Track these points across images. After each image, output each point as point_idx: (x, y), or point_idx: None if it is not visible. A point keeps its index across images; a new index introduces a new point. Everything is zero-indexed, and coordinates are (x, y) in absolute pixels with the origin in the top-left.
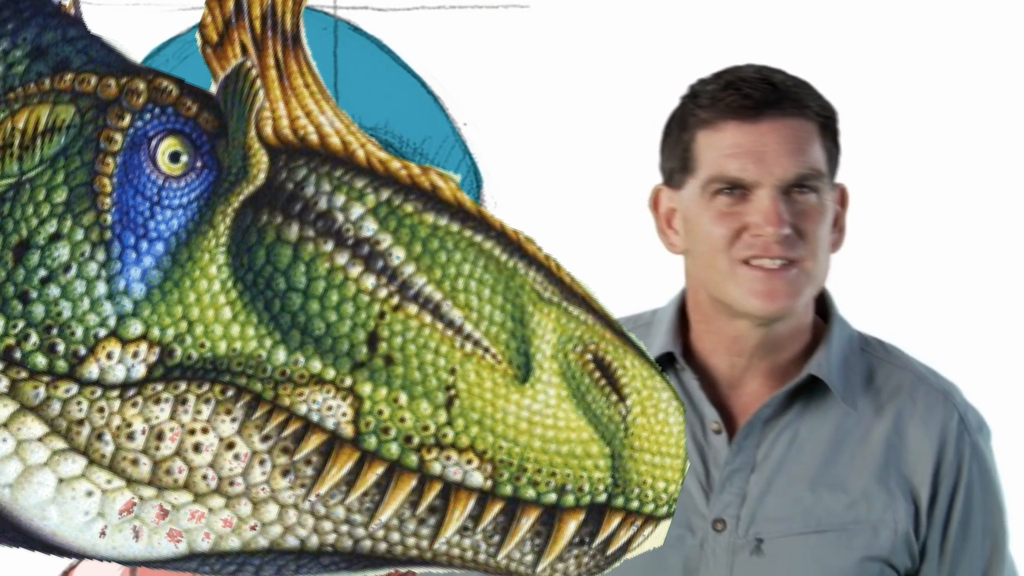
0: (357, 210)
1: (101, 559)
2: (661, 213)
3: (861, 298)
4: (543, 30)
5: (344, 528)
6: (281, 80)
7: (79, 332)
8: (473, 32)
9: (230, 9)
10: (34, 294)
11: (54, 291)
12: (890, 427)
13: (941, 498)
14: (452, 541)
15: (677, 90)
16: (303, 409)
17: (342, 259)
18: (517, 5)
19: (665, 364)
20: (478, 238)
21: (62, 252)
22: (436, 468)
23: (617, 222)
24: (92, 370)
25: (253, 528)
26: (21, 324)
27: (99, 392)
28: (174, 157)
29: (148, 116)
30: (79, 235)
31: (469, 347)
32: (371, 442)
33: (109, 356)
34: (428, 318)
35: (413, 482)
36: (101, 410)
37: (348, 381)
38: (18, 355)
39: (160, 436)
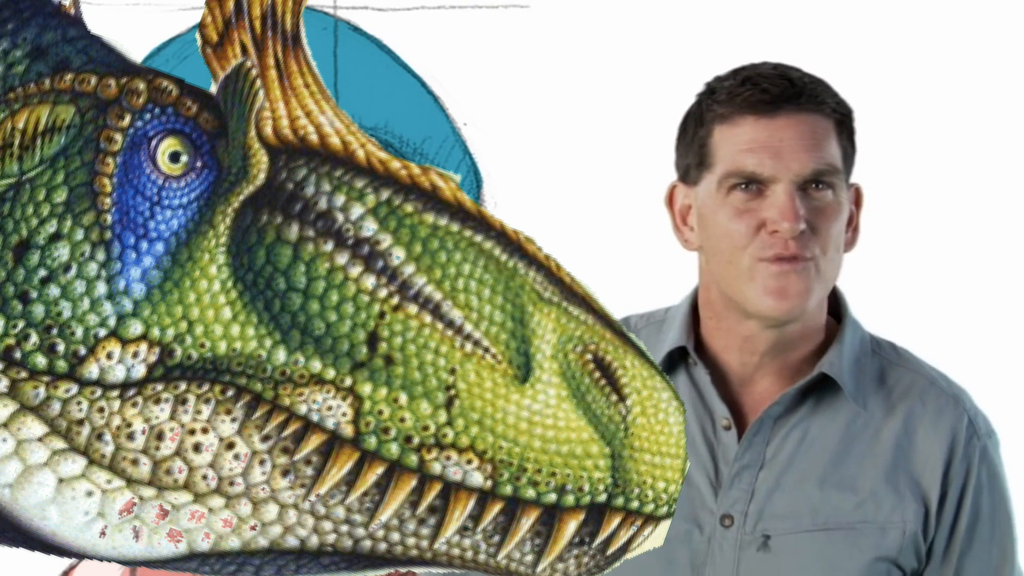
0: (357, 210)
1: (101, 559)
2: (676, 210)
3: (874, 300)
4: (543, 30)
5: (344, 528)
6: (281, 80)
7: (79, 332)
8: (473, 32)
9: (230, 9)
10: (34, 294)
11: (54, 291)
12: (900, 428)
13: (949, 500)
14: (452, 541)
15: (677, 90)
16: (303, 409)
17: (342, 259)
18: (517, 5)
19: (677, 359)
20: (478, 238)
21: (62, 252)
22: (436, 468)
23: (617, 222)
24: (92, 370)
25: (253, 528)
26: (21, 324)
27: (99, 392)
28: (174, 157)
29: (148, 116)
30: (79, 235)
31: (469, 347)
32: (371, 442)
33: (109, 356)
34: (428, 318)
35: (413, 482)
36: (101, 410)
37: (348, 381)
38: (18, 355)
39: (160, 436)
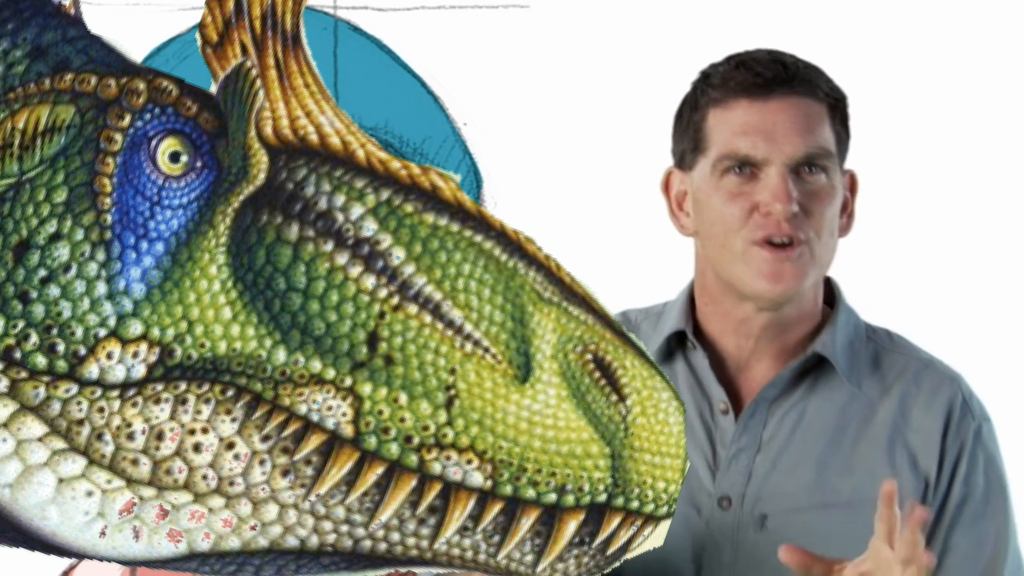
0: (357, 210)
1: (101, 559)
2: (672, 196)
3: (869, 290)
4: (543, 30)
5: (344, 528)
6: (281, 80)
7: (79, 332)
8: (473, 32)
9: (230, 9)
10: (34, 294)
11: (54, 291)
12: (895, 408)
13: (943, 473)
14: (452, 541)
15: (677, 90)
16: (303, 409)
17: (342, 259)
18: (517, 5)
19: (675, 345)
20: (478, 238)
21: (62, 252)
22: (436, 468)
23: (617, 222)
24: (92, 370)
25: (253, 528)
26: (21, 324)
27: (99, 392)
28: (174, 157)
29: (148, 116)
30: (79, 235)
31: (469, 347)
32: (371, 442)
33: (109, 356)
34: (428, 318)
35: (413, 482)
36: (101, 410)
37: (348, 381)
38: (18, 355)
39: (160, 436)
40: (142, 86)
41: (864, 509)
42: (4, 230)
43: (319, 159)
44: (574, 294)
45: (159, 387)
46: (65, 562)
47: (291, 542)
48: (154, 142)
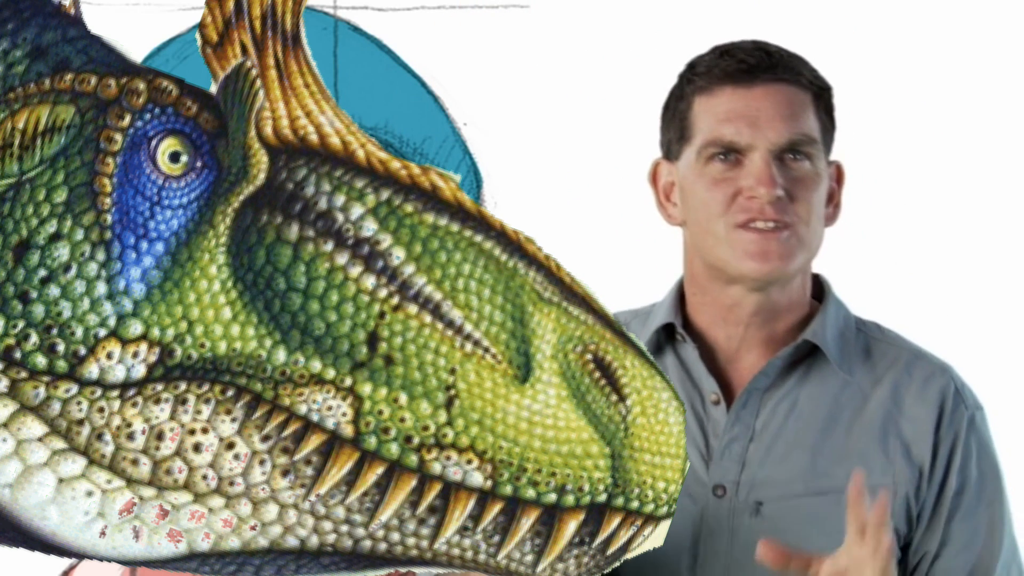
0: (357, 210)
1: (101, 559)
2: (660, 187)
3: (859, 287)
4: (543, 30)
5: (344, 528)
6: (281, 80)
7: (79, 332)
8: (473, 32)
9: (230, 9)
10: (34, 294)
11: (54, 291)
12: (887, 397)
13: (937, 465)
14: (452, 541)
15: None
16: (303, 409)
17: (342, 259)
18: (517, 5)
19: (664, 340)
20: (478, 238)
21: (62, 252)
22: (436, 468)
23: (617, 222)
24: (92, 370)
25: (253, 528)
26: (21, 324)
27: (99, 392)
28: (174, 157)
29: (148, 116)
30: (79, 235)
31: (469, 347)
32: (371, 442)
33: (109, 356)
34: (428, 318)
35: (413, 482)
36: (101, 410)
37: (348, 381)
38: (18, 355)
39: (160, 436)
40: (142, 86)
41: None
42: (4, 230)
43: (319, 159)
44: (574, 294)
45: (159, 387)
46: (65, 562)
47: (291, 542)
48: (154, 142)
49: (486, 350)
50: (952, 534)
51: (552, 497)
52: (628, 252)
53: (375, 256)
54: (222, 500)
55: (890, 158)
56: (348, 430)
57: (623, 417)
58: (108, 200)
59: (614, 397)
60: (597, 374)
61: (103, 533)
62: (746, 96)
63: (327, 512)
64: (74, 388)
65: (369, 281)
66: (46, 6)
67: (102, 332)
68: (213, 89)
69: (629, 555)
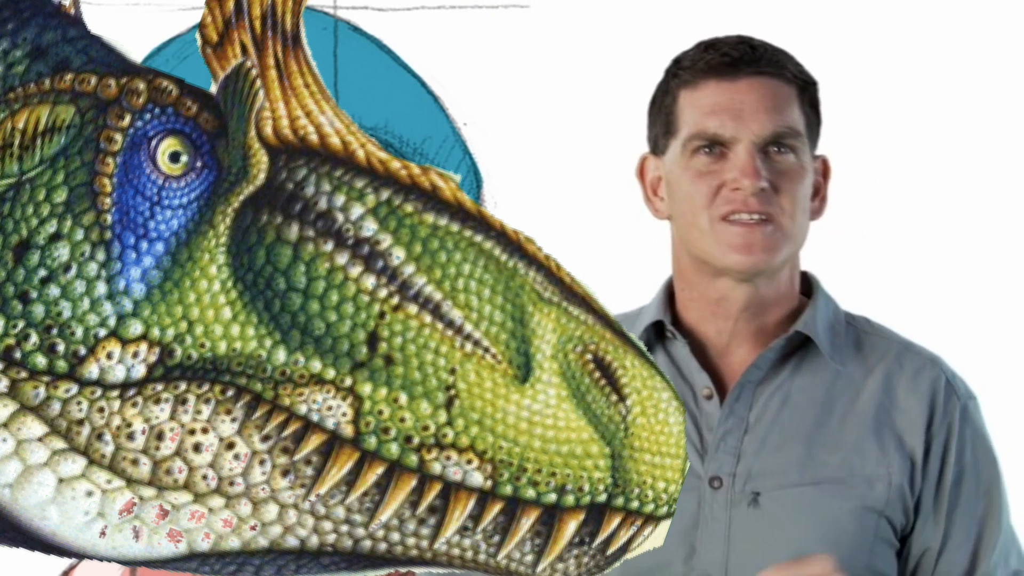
0: (357, 210)
1: (101, 559)
2: (647, 181)
3: (845, 280)
4: (543, 30)
5: (344, 528)
6: (281, 80)
7: (79, 332)
8: (473, 32)
9: (230, 9)
10: (34, 294)
11: (54, 291)
12: (880, 388)
13: (933, 457)
14: (452, 541)
15: None
16: (303, 409)
17: (342, 259)
18: (517, 5)
19: (654, 338)
20: (478, 238)
21: (62, 252)
22: (436, 468)
23: (617, 222)
24: (92, 370)
25: (253, 528)
26: (21, 324)
27: (99, 392)
28: (174, 157)
29: (148, 116)
30: (79, 235)
31: (469, 347)
32: (371, 442)
33: (109, 356)
34: (428, 318)
35: (413, 482)
36: (101, 410)
37: (348, 381)
38: (18, 355)
39: (160, 436)
40: (142, 86)
41: (854, 483)
42: (4, 230)
43: (319, 159)
44: (574, 294)
45: (159, 387)
46: (65, 562)
47: (291, 542)
48: (154, 142)
49: (486, 350)
50: (954, 526)
51: (552, 497)
52: (628, 252)
53: (375, 256)
54: (222, 500)
55: (878, 154)
56: (348, 430)
57: (623, 417)
58: (108, 200)
59: (614, 397)
60: (597, 374)
61: (103, 533)
62: (730, 89)
63: (327, 512)
64: (74, 388)
65: (369, 281)
66: (46, 6)
67: (102, 332)
68: (213, 89)
69: (629, 555)
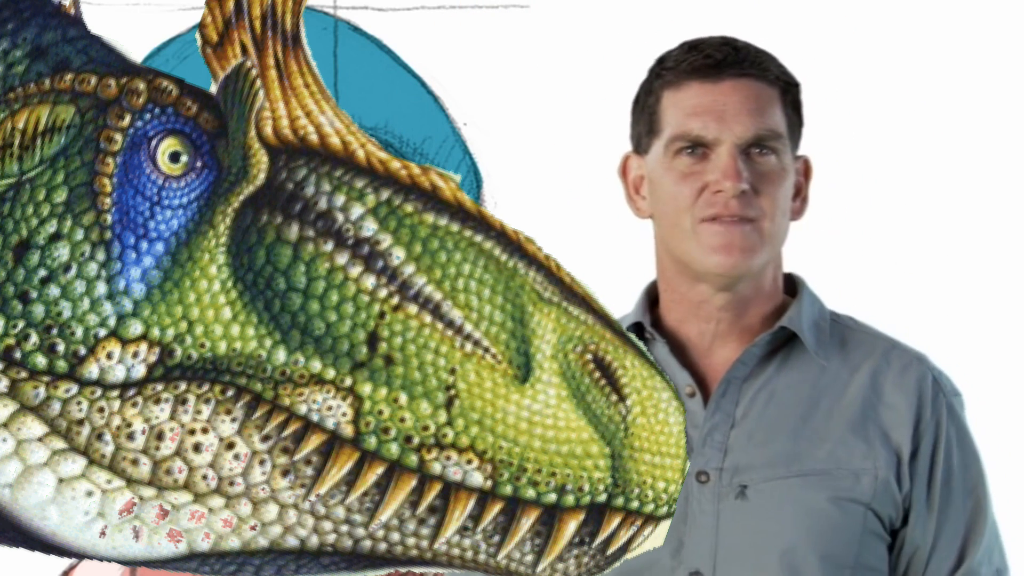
0: (357, 210)
1: (101, 559)
2: (630, 180)
3: (831, 281)
4: (543, 30)
5: (344, 528)
6: (281, 80)
7: (79, 332)
8: (473, 32)
9: (230, 9)
10: (34, 294)
11: (54, 291)
12: (866, 384)
13: (923, 454)
14: (452, 541)
15: None
16: (303, 409)
17: (342, 259)
18: (517, 5)
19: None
20: (478, 238)
21: (62, 252)
22: (436, 468)
23: (617, 222)
24: (92, 370)
25: (253, 528)
26: (21, 324)
27: (99, 392)
28: (174, 157)
29: (148, 116)
30: (79, 235)
31: (469, 347)
32: (371, 442)
33: (109, 356)
34: (428, 318)
35: (413, 482)
36: (101, 410)
37: (348, 381)
38: (18, 355)
39: (160, 436)
40: (142, 86)
41: (840, 475)
42: (4, 230)
43: (319, 159)
44: (574, 294)
45: (159, 387)
46: (65, 562)
47: (291, 542)
48: (154, 142)
49: (486, 350)
50: (945, 524)
51: (552, 497)
52: (628, 252)
53: (375, 256)
54: (222, 500)
55: (861, 154)
56: (348, 430)
57: (623, 417)
58: (108, 200)
59: (614, 397)
60: (597, 374)
61: (103, 533)
62: (713, 91)
63: (327, 512)
64: (74, 388)
65: (369, 281)
66: (46, 6)
67: (102, 332)
68: (213, 89)
69: (629, 555)
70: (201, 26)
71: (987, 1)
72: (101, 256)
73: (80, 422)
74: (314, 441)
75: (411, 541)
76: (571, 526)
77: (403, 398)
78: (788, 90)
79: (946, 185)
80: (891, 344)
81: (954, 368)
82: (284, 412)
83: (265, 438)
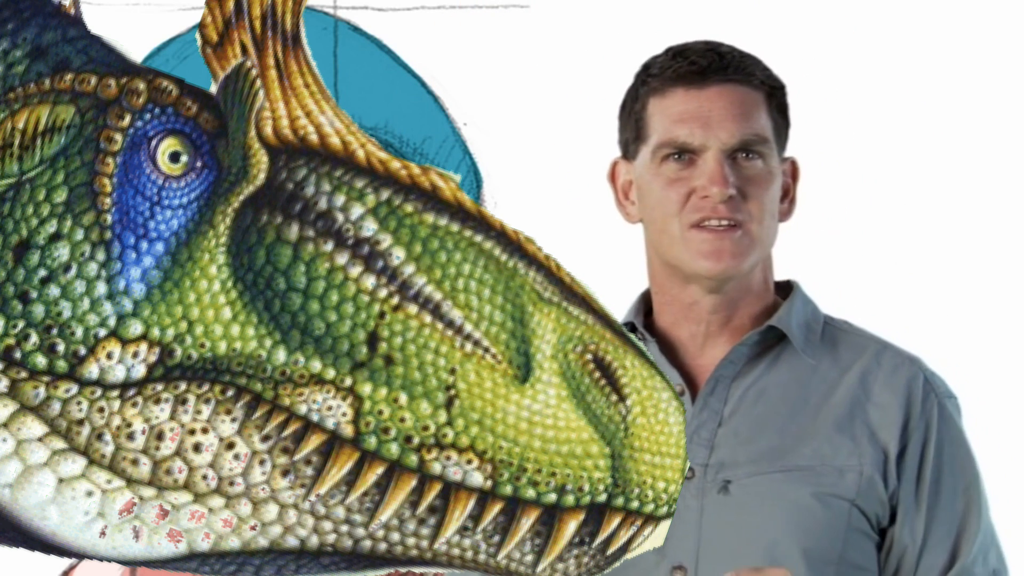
0: (357, 210)
1: (101, 559)
2: (619, 185)
3: (820, 282)
4: (543, 30)
5: (344, 528)
6: (281, 80)
7: (79, 332)
8: (473, 32)
9: (230, 9)
10: (34, 294)
11: (54, 291)
12: (855, 384)
13: (911, 453)
14: (452, 541)
15: None
16: (303, 409)
17: (342, 259)
18: (517, 5)
19: None
20: (478, 238)
21: (62, 252)
22: (436, 468)
23: (617, 222)
24: (92, 370)
25: (253, 528)
26: (21, 324)
27: (99, 392)
28: (174, 157)
29: (148, 116)
30: (79, 235)
31: (469, 347)
32: (371, 442)
33: (109, 356)
34: (428, 318)
35: (413, 482)
36: (101, 410)
37: (348, 381)
38: (18, 355)
39: (160, 436)
40: (142, 86)
41: (824, 472)
42: (4, 230)
43: (319, 159)
44: (574, 294)
45: (159, 387)
46: (65, 562)
47: (291, 542)
48: (154, 142)
49: (486, 350)
50: (934, 524)
51: (552, 497)
52: (628, 252)
53: (375, 256)
54: (222, 500)
55: (850, 154)
56: (348, 430)
57: (623, 417)
58: (108, 200)
59: (614, 397)
60: (597, 374)
61: (103, 533)
62: (698, 97)
63: (327, 512)
64: (74, 388)
65: (369, 281)
66: (46, 6)
67: (102, 332)
68: (213, 89)
69: (629, 555)
70: (201, 26)
71: (976, 1)
72: (101, 256)
73: (80, 422)
74: (314, 441)
75: (411, 541)
76: (571, 526)
77: (403, 398)
78: (773, 93)
79: (937, 185)
80: (883, 346)
81: (949, 371)
82: (284, 412)
83: (265, 438)
